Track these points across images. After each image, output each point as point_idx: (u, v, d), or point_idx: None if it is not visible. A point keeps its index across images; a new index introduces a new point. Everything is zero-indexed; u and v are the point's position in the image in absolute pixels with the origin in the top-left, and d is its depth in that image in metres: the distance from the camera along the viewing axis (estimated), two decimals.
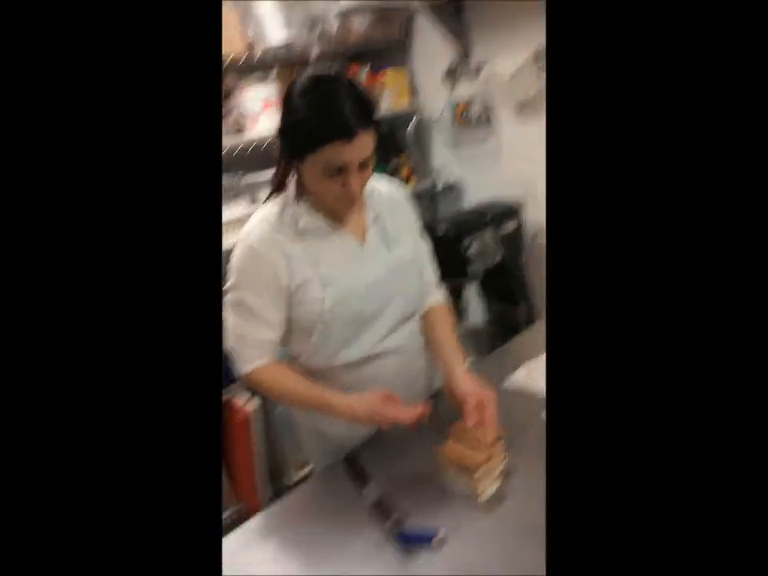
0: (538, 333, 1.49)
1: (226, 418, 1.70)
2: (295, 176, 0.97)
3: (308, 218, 0.99)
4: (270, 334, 1.01)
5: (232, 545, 0.88)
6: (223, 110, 1.81)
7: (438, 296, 1.17)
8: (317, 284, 0.98)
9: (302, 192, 0.98)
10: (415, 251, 1.10)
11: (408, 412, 0.91)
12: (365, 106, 0.88)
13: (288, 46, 1.86)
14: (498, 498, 0.87)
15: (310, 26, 1.92)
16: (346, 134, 0.85)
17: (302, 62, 1.93)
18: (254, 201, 1.85)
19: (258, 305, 0.98)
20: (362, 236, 1.03)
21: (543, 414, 1.04)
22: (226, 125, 1.82)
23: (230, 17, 1.74)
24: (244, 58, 1.78)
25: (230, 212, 1.75)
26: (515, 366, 1.24)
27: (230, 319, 1.00)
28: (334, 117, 0.85)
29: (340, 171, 0.89)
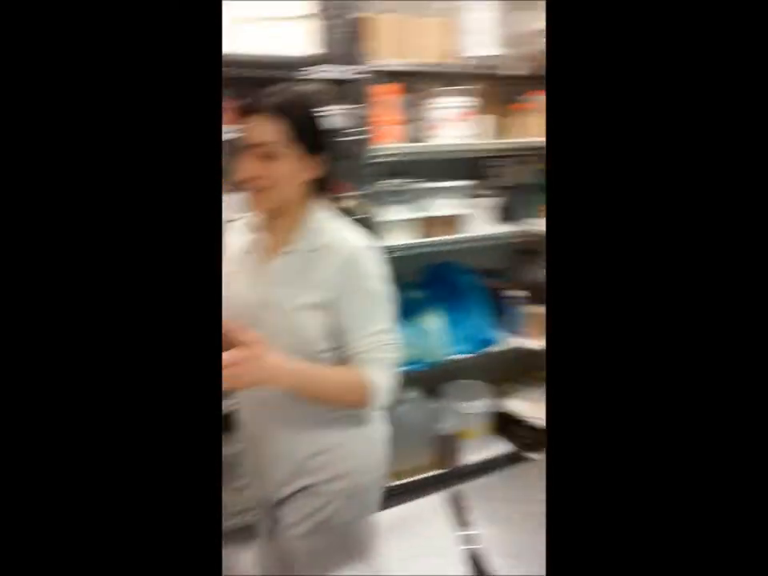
0: None
1: None
2: None
3: (243, 223, 1.11)
4: None
5: None
6: (409, 116, 1.86)
7: (369, 371, 0.98)
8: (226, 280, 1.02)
9: None
10: (332, 308, 0.99)
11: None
12: (289, 107, 0.95)
13: (491, 60, 1.87)
14: None
15: (516, 44, 1.90)
16: (247, 110, 0.96)
17: (504, 78, 1.93)
18: (420, 208, 1.91)
19: None
20: (268, 257, 1.05)
21: None
22: (414, 130, 1.89)
23: (435, 23, 1.81)
24: (443, 66, 1.83)
25: (390, 214, 1.85)
26: None
27: None
28: (251, 99, 0.96)
29: (244, 152, 0.96)
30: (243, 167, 0.97)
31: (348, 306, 0.99)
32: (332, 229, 1.02)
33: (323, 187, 1.06)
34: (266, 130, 0.95)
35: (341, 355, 1.01)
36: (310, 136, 0.98)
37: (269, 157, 0.95)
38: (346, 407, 1.03)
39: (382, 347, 0.99)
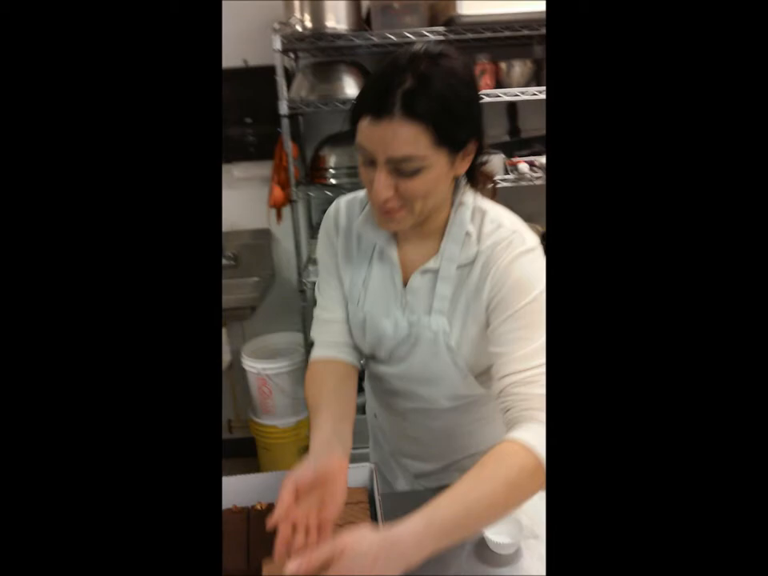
0: None
1: None
2: None
3: (368, 213, 0.83)
4: (330, 315, 0.88)
5: None
6: None
7: (522, 432, 0.70)
8: (354, 302, 0.87)
9: None
10: (490, 332, 0.78)
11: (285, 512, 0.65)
12: (432, 96, 0.67)
13: None
14: None
15: None
16: (374, 109, 0.68)
17: None
18: None
19: (324, 276, 0.89)
20: (406, 273, 0.83)
21: None
22: None
23: None
24: None
25: None
26: None
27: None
28: (377, 88, 0.69)
29: (372, 163, 0.71)
30: (374, 187, 0.71)
31: (503, 326, 0.76)
32: (487, 231, 0.78)
33: (476, 176, 0.81)
34: (402, 141, 0.68)
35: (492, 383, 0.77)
36: (462, 129, 0.72)
37: (407, 172, 0.70)
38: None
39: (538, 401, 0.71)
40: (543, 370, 0.72)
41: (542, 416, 0.69)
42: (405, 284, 0.83)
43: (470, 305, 0.79)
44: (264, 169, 2.06)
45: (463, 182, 0.80)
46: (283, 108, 1.74)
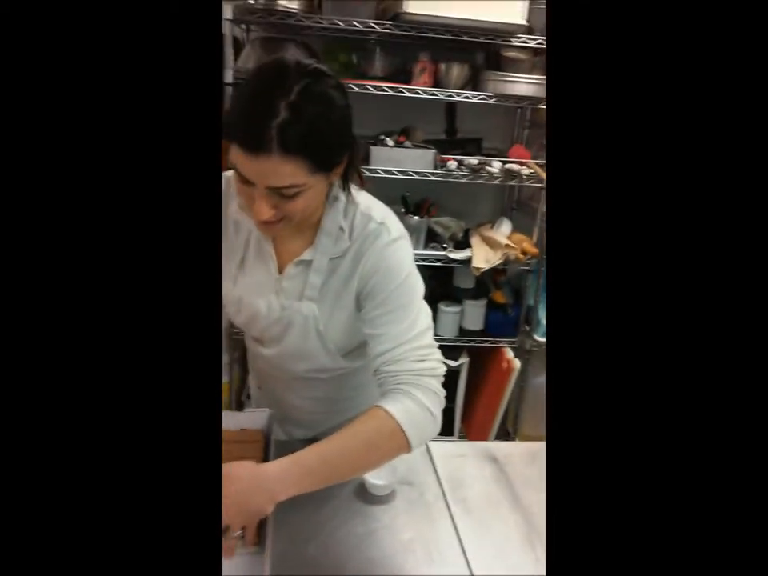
0: None
1: (496, 361, 2.14)
2: None
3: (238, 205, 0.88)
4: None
5: None
6: None
7: (387, 401, 0.80)
8: (230, 281, 0.92)
9: None
10: (363, 318, 0.87)
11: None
12: (307, 128, 0.68)
13: None
14: None
15: None
16: (249, 144, 0.68)
17: None
18: None
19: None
20: (284, 263, 0.90)
21: None
22: None
23: None
24: None
25: None
26: None
27: None
28: (249, 118, 0.68)
29: (250, 183, 0.72)
30: (254, 209, 0.74)
31: (375, 311, 0.85)
32: (357, 225, 0.86)
33: (347, 176, 0.85)
34: (282, 175, 0.70)
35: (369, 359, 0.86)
36: (337, 152, 0.76)
37: (287, 195, 0.73)
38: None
39: (417, 354, 0.82)
40: (412, 346, 0.83)
41: (408, 388, 0.80)
42: (280, 272, 0.90)
43: (340, 293, 0.88)
44: None
45: (337, 180, 0.84)
46: (228, 77, 1.77)
